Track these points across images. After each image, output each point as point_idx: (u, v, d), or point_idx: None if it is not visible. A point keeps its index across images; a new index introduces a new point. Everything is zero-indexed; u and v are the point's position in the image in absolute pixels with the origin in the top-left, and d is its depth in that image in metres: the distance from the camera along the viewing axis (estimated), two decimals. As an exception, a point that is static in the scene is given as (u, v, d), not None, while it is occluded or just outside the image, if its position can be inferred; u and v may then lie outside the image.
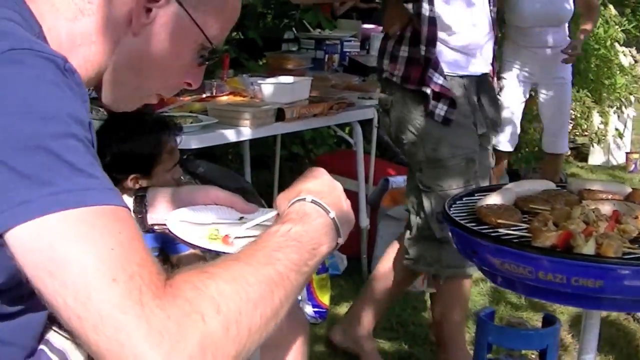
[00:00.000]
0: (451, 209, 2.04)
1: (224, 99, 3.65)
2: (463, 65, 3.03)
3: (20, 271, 1.11)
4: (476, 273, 4.42)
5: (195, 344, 1.00)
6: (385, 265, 3.32)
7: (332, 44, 4.92)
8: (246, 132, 3.32)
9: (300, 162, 5.94)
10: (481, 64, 3.10)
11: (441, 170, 3.01)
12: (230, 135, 3.27)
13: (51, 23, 1.30)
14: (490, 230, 1.86)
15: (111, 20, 1.33)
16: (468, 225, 1.90)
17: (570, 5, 5.04)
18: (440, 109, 2.95)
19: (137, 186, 2.54)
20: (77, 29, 1.32)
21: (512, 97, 5.25)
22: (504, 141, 5.24)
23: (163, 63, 1.39)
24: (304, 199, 1.33)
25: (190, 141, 3.04)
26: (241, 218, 1.67)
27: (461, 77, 3.03)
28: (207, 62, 1.46)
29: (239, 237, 1.52)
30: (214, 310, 1.03)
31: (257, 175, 5.20)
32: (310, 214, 1.31)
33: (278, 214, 1.40)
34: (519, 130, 5.36)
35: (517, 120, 5.30)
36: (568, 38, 5.12)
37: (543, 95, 5.35)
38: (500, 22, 4.83)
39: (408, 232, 3.16)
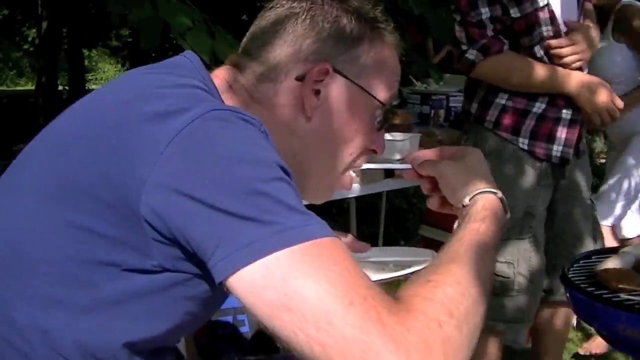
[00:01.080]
0: (569, 272, 2.02)
1: (334, 155, 3.67)
2: None
3: (158, 324, 1.20)
4: (581, 332, 4.39)
5: (439, 350, 1.04)
6: None
7: (438, 99, 4.92)
8: (356, 188, 3.35)
9: (404, 215, 5.95)
10: None
11: None
12: (341, 191, 3.29)
13: (230, 103, 1.38)
14: (611, 295, 1.84)
15: (281, 109, 1.41)
16: (588, 289, 1.88)
17: None
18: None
19: None
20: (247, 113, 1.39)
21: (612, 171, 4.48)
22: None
23: (344, 138, 1.45)
24: (495, 193, 1.41)
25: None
26: None
27: None
28: (386, 124, 1.51)
29: None
30: (447, 315, 1.08)
31: (361, 228, 5.23)
32: (497, 213, 1.39)
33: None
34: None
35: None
36: None
37: None
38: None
39: None
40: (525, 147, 2.97)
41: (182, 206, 1.12)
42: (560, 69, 2.93)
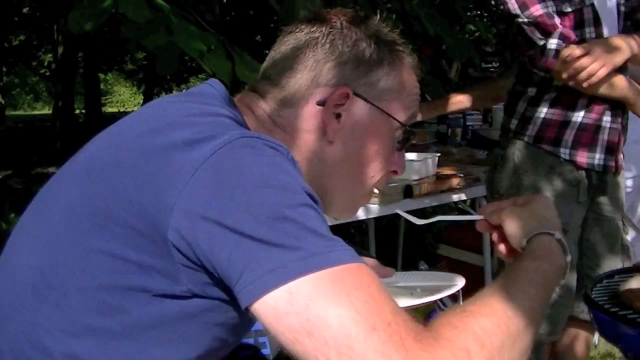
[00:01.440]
0: (593, 292, 2.01)
1: (352, 176, 3.65)
2: None
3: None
4: (602, 349, 4.36)
5: None
6: None
7: (455, 118, 4.92)
8: (374, 209, 3.33)
9: (422, 234, 5.94)
10: None
11: None
12: (359, 212, 3.27)
13: (254, 129, 1.39)
14: (636, 315, 1.82)
15: (304, 134, 1.42)
16: (612, 310, 1.87)
17: None
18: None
19: None
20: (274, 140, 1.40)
21: None
22: None
23: (365, 160, 1.46)
24: (552, 235, 1.40)
25: (321, 218, 3.07)
26: None
27: None
28: (405, 145, 1.52)
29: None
30: (478, 345, 1.07)
31: (380, 247, 5.22)
32: (555, 253, 1.37)
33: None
34: None
35: None
36: None
37: None
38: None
39: None
40: (567, 157, 2.95)
41: (208, 232, 1.12)
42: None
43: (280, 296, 1.07)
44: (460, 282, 1.84)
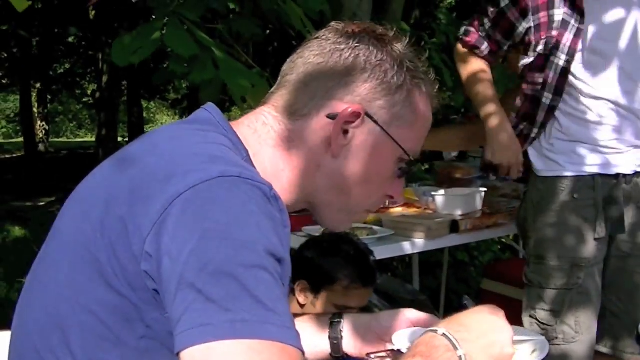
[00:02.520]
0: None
1: (398, 210, 3.67)
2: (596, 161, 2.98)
3: None
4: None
5: None
6: None
7: (499, 152, 4.87)
8: (421, 244, 3.33)
9: (465, 268, 5.89)
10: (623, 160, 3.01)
11: (542, 267, 2.98)
12: (406, 247, 3.28)
13: (256, 148, 1.39)
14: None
15: (310, 144, 1.40)
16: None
17: None
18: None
19: (302, 296, 2.57)
20: (278, 155, 1.40)
21: None
22: None
23: (365, 180, 1.44)
24: (436, 331, 1.30)
25: (367, 254, 3.06)
26: None
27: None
28: (406, 174, 1.50)
29: None
30: None
31: (423, 281, 5.20)
32: (438, 348, 1.27)
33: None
34: None
35: None
36: None
37: None
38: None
39: None
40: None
41: (165, 270, 1.13)
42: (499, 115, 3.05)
43: (198, 351, 1.07)
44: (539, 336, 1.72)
